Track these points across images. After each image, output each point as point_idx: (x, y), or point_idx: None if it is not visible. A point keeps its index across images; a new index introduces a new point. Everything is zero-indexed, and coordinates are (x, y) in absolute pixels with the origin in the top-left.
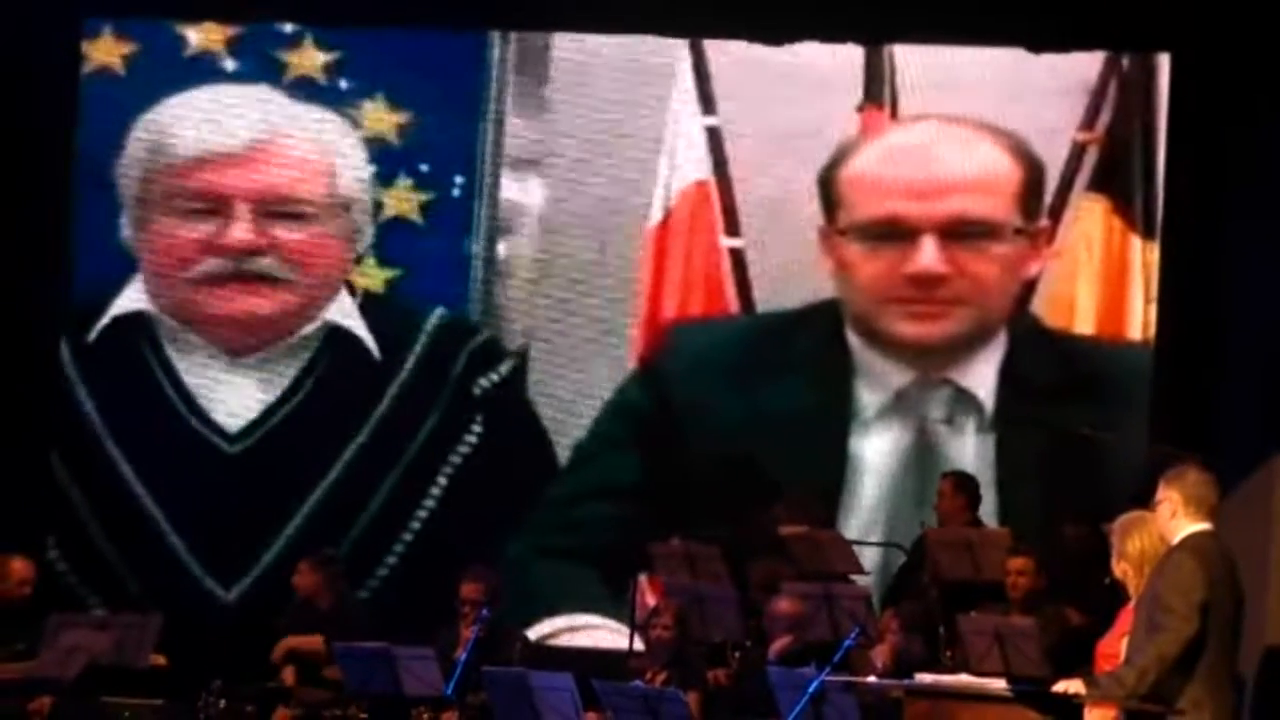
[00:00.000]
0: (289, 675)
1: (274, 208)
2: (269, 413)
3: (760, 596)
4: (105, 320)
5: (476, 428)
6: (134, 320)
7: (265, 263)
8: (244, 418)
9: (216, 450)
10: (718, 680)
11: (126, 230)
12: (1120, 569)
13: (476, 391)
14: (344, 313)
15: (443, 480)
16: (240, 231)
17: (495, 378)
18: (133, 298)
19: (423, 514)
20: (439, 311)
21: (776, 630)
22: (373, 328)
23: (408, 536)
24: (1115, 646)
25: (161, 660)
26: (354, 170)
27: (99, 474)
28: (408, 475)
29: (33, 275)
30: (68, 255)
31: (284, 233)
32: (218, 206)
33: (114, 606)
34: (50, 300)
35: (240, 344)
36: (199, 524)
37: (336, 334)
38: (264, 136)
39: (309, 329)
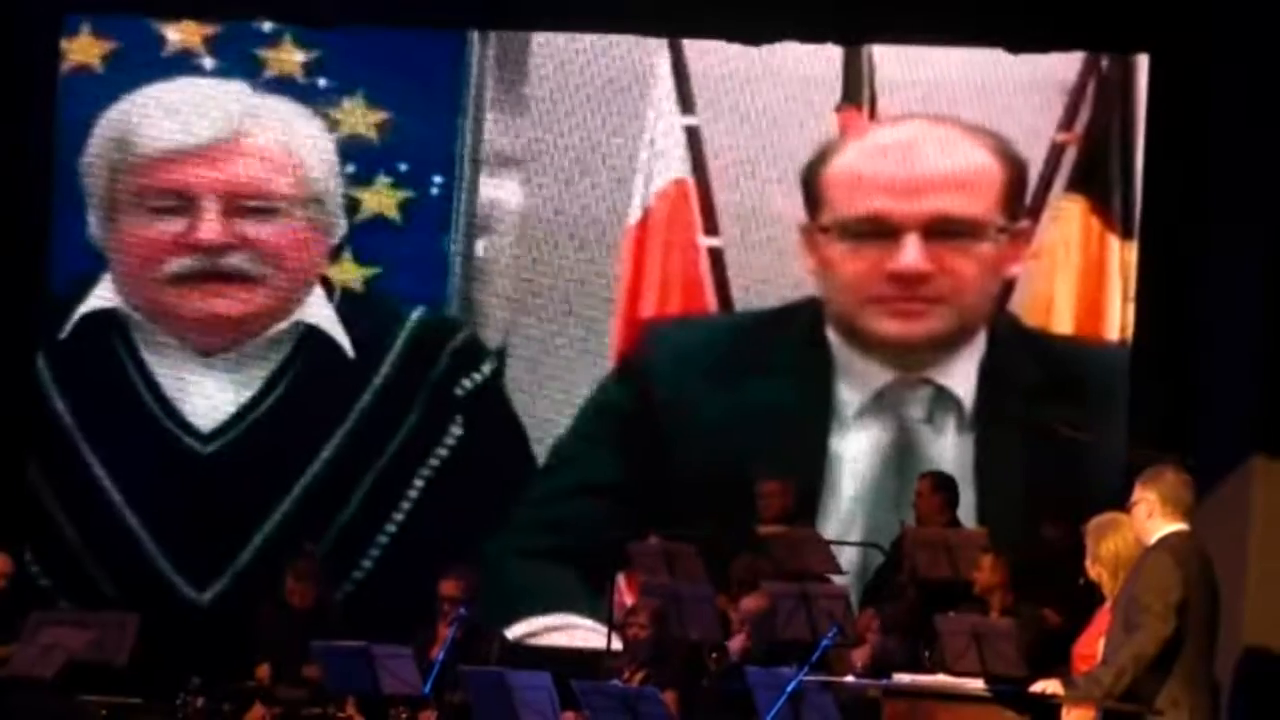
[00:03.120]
0: (263, 672)
1: (243, 203)
2: (243, 412)
3: (739, 593)
4: (76, 317)
5: (456, 429)
6: (106, 318)
7: (236, 260)
8: (217, 417)
9: (190, 450)
10: (696, 679)
11: (94, 228)
12: (1094, 571)
13: (458, 392)
14: (317, 311)
15: (420, 482)
16: (210, 228)
17: (477, 378)
18: (103, 295)
19: (399, 516)
20: (418, 310)
21: (736, 627)
22: (348, 326)
23: (383, 539)
24: (1092, 647)
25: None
26: (323, 162)
27: (72, 474)
28: (385, 475)
29: (12, 276)
30: (47, 255)
31: (254, 229)
32: (186, 203)
33: (88, 609)
34: (29, 303)
35: (212, 343)
36: (173, 525)
37: (310, 333)
38: (229, 131)
39: (282, 326)
